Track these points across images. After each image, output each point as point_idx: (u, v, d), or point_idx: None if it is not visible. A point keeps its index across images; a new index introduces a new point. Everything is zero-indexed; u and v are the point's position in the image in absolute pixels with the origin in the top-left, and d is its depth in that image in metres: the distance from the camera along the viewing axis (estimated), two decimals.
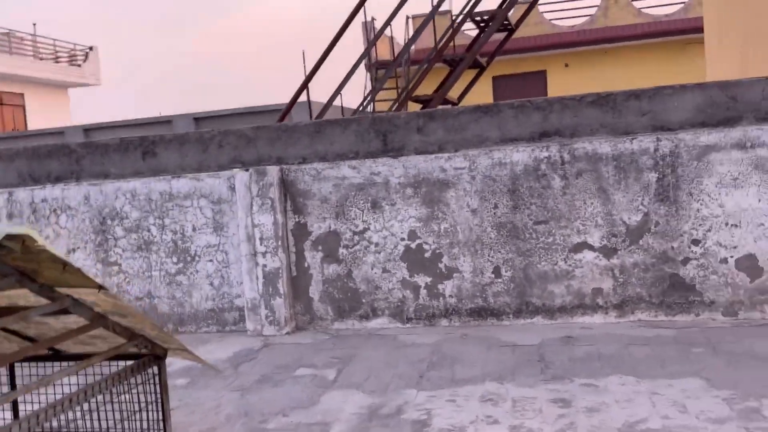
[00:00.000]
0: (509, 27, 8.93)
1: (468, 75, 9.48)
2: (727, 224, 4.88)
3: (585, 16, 23.78)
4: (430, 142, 5.47)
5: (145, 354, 3.22)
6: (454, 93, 9.23)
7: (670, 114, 5.05)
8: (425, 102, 8.19)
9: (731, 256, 4.89)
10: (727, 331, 4.62)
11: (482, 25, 8.58)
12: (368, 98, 9.73)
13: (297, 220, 5.53)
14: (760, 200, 4.83)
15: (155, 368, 3.28)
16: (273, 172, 5.40)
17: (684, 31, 21.11)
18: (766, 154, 4.80)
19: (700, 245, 4.93)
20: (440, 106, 8.20)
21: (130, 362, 3.22)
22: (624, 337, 4.68)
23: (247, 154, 5.73)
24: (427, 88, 8.89)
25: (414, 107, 9.20)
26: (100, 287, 2.49)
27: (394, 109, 8.10)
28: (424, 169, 5.34)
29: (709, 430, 3.12)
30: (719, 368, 3.92)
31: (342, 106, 9.34)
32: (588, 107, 5.16)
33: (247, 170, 5.46)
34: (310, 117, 8.94)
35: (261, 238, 5.39)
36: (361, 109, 9.86)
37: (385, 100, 13.78)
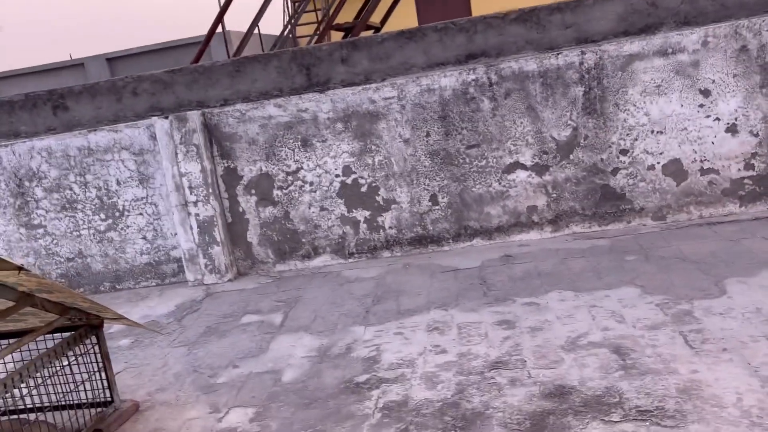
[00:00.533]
0: None
1: None
2: (652, 132, 4.99)
3: None
4: (356, 73, 5.32)
5: (81, 325, 3.11)
6: (376, 17, 8.95)
7: (592, 25, 5.03)
8: (347, 30, 7.92)
9: (658, 163, 5.02)
10: (657, 236, 4.80)
11: None
12: (288, 27, 9.37)
13: (226, 165, 5.36)
14: (682, 105, 4.93)
15: (94, 338, 3.19)
16: (194, 117, 5.17)
17: None
18: (686, 59, 4.87)
19: (628, 155, 5.03)
20: (363, 33, 7.96)
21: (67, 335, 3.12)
22: (560, 251, 4.81)
23: (166, 100, 5.45)
24: (348, 15, 8.57)
25: (336, 36, 8.90)
26: (20, 268, 2.34)
27: (315, 40, 7.80)
28: (353, 102, 5.21)
29: (646, 338, 3.26)
30: (652, 274, 4.08)
31: (260, 35, 8.96)
32: (512, 24, 5.08)
33: (166, 117, 5.21)
34: (228, 54, 8.56)
35: (190, 187, 5.21)
36: (283, 36, 9.49)
37: (307, 24, 13.32)
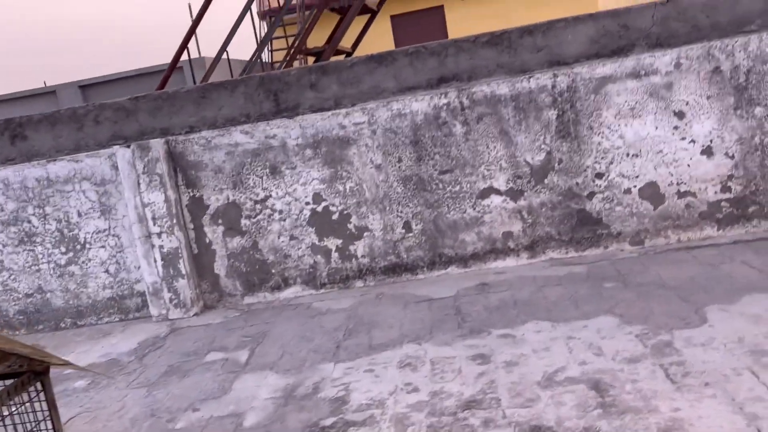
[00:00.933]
0: None
1: (362, 20, 9.12)
2: (628, 155, 4.89)
3: None
4: (326, 98, 5.19)
5: (25, 372, 2.89)
6: (347, 42, 8.85)
7: (564, 48, 4.95)
8: (317, 55, 7.81)
9: (634, 186, 4.92)
10: (635, 261, 4.68)
11: None
12: (256, 52, 9.24)
13: (191, 194, 5.17)
14: (657, 128, 4.84)
15: (39, 385, 2.96)
16: (158, 145, 4.99)
17: None
18: (659, 81, 4.80)
19: (603, 178, 4.93)
20: (334, 57, 7.85)
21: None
22: (537, 278, 4.67)
23: (129, 128, 5.27)
24: (319, 39, 8.48)
25: (311, 61, 8.80)
26: None
27: (284, 65, 7.68)
28: (322, 128, 5.07)
29: (626, 372, 3.11)
30: (630, 302, 3.95)
31: (229, 60, 8.82)
32: (483, 48, 4.99)
33: (128, 146, 5.03)
34: (194, 80, 8.42)
35: (154, 218, 5.01)
36: (252, 61, 9.37)
37: (280, 50, 13.24)
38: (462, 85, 4.99)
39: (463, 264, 5.11)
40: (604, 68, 4.82)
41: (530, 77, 4.88)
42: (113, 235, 5.27)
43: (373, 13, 8.71)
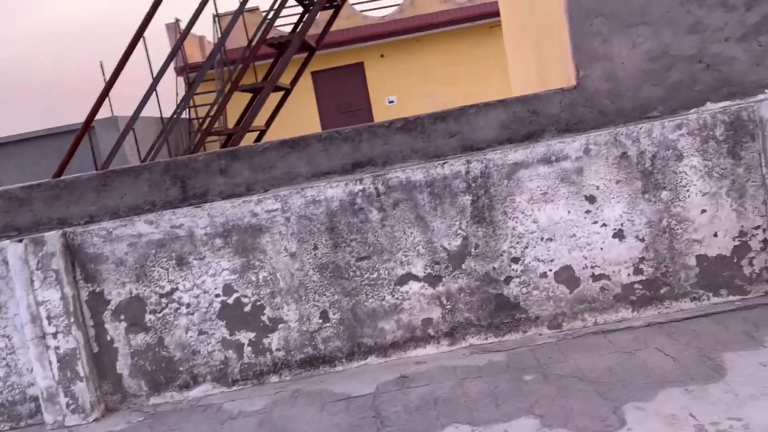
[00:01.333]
0: (310, 45, 8.57)
1: (276, 96, 9.03)
2: (542, 239, 4.91)
3: (394, 5, 24.17)
4: (237, 184, 5.01)
5: None
6: (260, 120, 8.72)
7: (477, 133, 4.98)
8: (229, 135, 7.65)
9: (550, 270, 4.92)
10: (554, 347, 4.65)
11: (281, 45, 8.17)
12: (173, 116, 8.98)
13: (91, 289, 4.83)
14: (569, 212, 4.89)
15: None
16: (53, 239, 4.65)
17: (487, 15, 22.15)
18: (569, 166, 4.86)
19: (519, 263, 4.92)
20: (251, 133, 7.69)
21: None
22: (458, 369, 4.56)
23: (21, 219, 4.91)
24: (231, 117, 8.36)
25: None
26: None
27: (192, 148, 7.48)
28: (233, 216, 4.86)
29: None
30: (550, 399, 3.88)
31: (134, 131, 8.50)
32: (397, 133, 4.95)
33: (21, 241, 4.66)
34: (95, 166, 8.09)
35: (49, 317, 4.64)
36: (172, 119, 9.09)
37: (206, 105, 12.98)
38: (377, 171, 4.91)
39: (383, 354, 4.95)
40: (516, 154, 4.84)
41: (444, 163, 4.86)
42: (4, 336, 4.83)
43: (287, 91, 8.64)
